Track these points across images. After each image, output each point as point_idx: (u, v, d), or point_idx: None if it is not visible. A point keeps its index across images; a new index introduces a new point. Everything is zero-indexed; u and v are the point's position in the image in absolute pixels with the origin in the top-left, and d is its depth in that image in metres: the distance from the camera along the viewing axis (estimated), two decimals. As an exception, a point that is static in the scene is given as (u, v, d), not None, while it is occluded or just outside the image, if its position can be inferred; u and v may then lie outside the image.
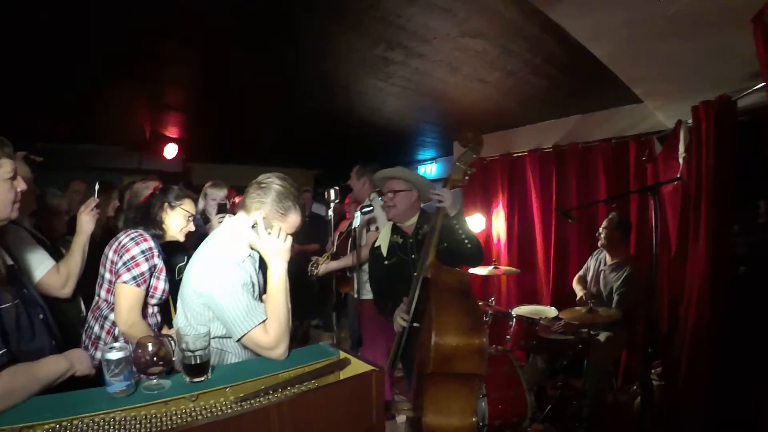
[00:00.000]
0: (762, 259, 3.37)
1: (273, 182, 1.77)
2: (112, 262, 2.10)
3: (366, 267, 3.59)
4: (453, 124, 5.56)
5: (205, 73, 3.70)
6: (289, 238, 1.78)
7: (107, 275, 2.13)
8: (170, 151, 6.21)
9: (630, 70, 2.98)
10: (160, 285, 2.19)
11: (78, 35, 2.85)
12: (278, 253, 1.73)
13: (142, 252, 2.09)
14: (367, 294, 3.60)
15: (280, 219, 1.76)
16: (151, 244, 2.14)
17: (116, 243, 2.13)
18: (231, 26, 2.84)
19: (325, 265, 3.50)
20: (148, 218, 2.22)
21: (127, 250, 2.07)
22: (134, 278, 2.04)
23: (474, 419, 1.87)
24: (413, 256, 2.64)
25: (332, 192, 3.42)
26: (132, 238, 2.11)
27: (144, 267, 2.08)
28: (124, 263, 2.05)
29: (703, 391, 3.00)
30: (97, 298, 2.20)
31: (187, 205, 2.33)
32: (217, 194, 3.50)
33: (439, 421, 1.91)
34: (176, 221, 2.30)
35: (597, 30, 2.38)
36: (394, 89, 4.02)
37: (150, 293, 2.16)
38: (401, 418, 3.77)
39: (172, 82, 3.94)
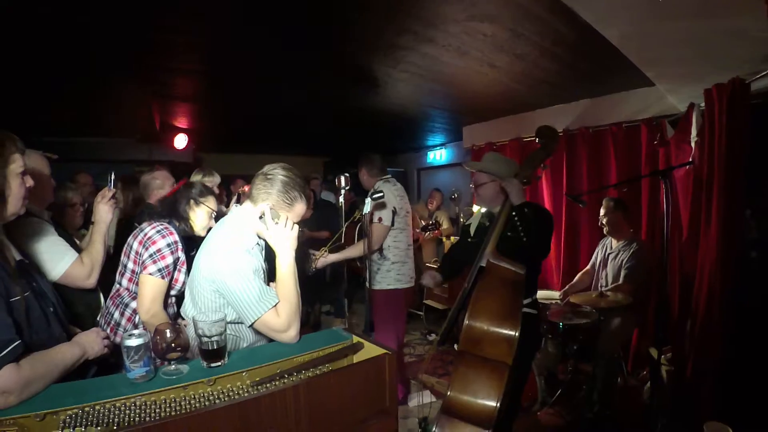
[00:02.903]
0: (775, 244, 3.35)
1: (279, 173, 1.80)
2: (137, 253, 2.15)
3: (375, 257, 3.62)
4: (462, 109, 5.54)
5: (214, 63, 3.70)
6: (296, 227, 1.82)
7: (130, 265, 2.18)
8: (180, 141, 6.25)
9: (642, 52, 2.95)
10: (181, 277, 2.23)
11: (86, 27, 2.86)
12: (286, 241, 1.77)
13: (168, 245, 2.13)
14: (377, 285, 3.64)
15: (286, 209, 1.80)
16: (176, 237, 2.19)
17: (141, 234, 2.17)
18: (239, 15, 2.83)
19: (323, 259, 3.48)
20: (175, 212, 2.26)
21: (153, 243, 2.12)
22: (160, 270, 2.09)
23: (496, 405, 1.89)
24: None
25: (342, 179, 3.41)
26: (158, 231, 2.16)
27: (169, 260, 2.13)
28: (150, 255, 2.10)
29: (714, 377, 3.00)
30: (117, 285, 2.25)
31: (211, 203, 2.37)
32: (214, 182, 3.48)
33: (461, 399, 1.95)
34: (201, 218, 2.34)
35: (608, 11, 2.35)
36: (403, 75, 4.00)
37: (171, 285, 2.20)
38: (413, 402, 3.81)
39: (182, 72, 3.95)
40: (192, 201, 2.31)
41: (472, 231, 2.85)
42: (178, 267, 2.21)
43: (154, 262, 2.09)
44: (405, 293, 3.71)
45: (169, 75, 3.96)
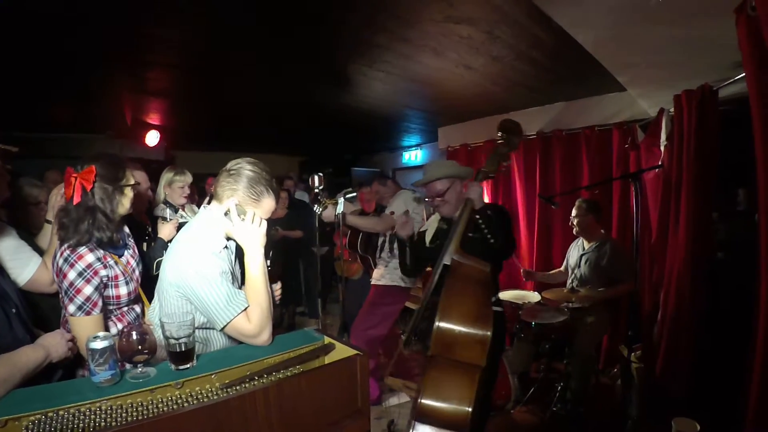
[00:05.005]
0: (741, 246, 3.43)
1: (243, 168, 1.73)
2: (59, 286, 1.80)
3: (384, 255, 3.78)
4: (438, 110, 5.57)
5: (188, 57, 3.64)
6: (264, 223, 1.76)
7: (60, 292, 1.82)
8: (152, 138, 6.11)
9: (614, 57, 3.00)
10: (122, 290, 1.88)
11: (55, 21, 2.77)
12: (254, 238, 1.71)
13: (80, 274, 1.72)
14: (380, 280, 3.87)
15: (253, 204, 1.74)
16: (89, 259, 1.75)
17: (55, 266, 1.77)
18: (213, 9, 2.78)
19: (332, 207, 3.34)
20: (93, 222, 1.78)
21: (65, 276, 1.72)
22: (80, 308, 1.72)
23: (470, 409, 1.89)
24: None
25: (316, 178, 3.37)
26: (65, 259, 1.73)
27: (87, 290, 1.73)
28: (65, 292, 1.72)
29: (682, 374, 3.07)
30: (64, 311, 1.86)
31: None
32: (186, 181, 3.35)
33: (434, 404, 1.92)
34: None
35: (582, 16, 2.38)
36: (379, 74, 4.00)
37: (112, 303, 1.88)
38: (388, 403, 3.82)
39: (154, 66, 3.86)
40: (115, 192, 1.85)
41: (428, 238, 2.82)
42: (111, 284, 1.83)
43: (71, 300, 1.71)
44: (403, 293, 3.81)
45: (143, 69, 3.86)
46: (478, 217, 2.37)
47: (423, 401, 1.93)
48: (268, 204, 1.77)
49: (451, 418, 1.91)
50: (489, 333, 1.94)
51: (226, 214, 1.72)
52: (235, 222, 1.70)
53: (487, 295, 2.10)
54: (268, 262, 1.91)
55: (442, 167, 2.74)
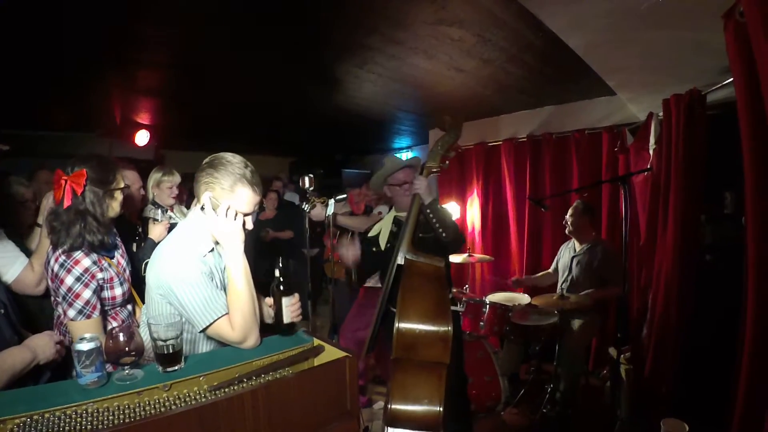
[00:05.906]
0: (728, 249, 3.47)
1: (214, 159, 1.65)
2: (54, 290, 1.82)
3: None
4: (429, 112, 5.57)
5: (179, 56, 3.61)
6: (240, 217, 1.65)
7: (57, 297, 1.84)
8: (142, 137, 6.06)
9: (604, 62, 3.03)
10: (117, 291, 1.91)
11: (46, 19, 2.74)
12: (229, 234, 1.61)
13: (77, 279, 1.74)
14: (368, 282, 3.82)
15: (227, 197, 1.62)
16: (86, 263, 1.78)
17: (50, 270, 1.80)
18: (212, 9, 2.76)
19: (320, 206, 3.22)
20: (84, 226, 1.78)
21: (62, 282, 1.74)
22: (80, 312, 1.74)
23: (440, 408, 1.86)
24: None
25: (306, 180, 3.33)
26: (61, 265, 1.75)
27: (86, 294, 1.75)
28: (64, 297, 1.74)
29: (670, 376, 3.09)
30: (58, 313, 1.91)
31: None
32: (174, 181, 3.30)
33: (404, 407, 1.88)
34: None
35: (573, 20, 2.40)
36: (370, 76, 4.00)
37: (107, 304, 1.89)
38: (378, 405, 3.81)
39: (145, 66, 3.83)
40: (105, 196, 1.85)
41: (382, 243, 2.78)
42: (106, 286, 1.86)
43: (70, 305, 1.73)
44: None
45: (133, 67, 3.82)
46: (428, 211, 2.37)
47: (392, 406, 1.90)
48: (243, 194, 1.64)
49: (422, 419, 1.87)
50: (450, 328, 1.90)
51: (202, 209, 1.64)
52: (210, 217, 1.62)
53: (443, 290, 2.06)
54: (277, 271, 1.81)
55: (400, 159, 2.79)
